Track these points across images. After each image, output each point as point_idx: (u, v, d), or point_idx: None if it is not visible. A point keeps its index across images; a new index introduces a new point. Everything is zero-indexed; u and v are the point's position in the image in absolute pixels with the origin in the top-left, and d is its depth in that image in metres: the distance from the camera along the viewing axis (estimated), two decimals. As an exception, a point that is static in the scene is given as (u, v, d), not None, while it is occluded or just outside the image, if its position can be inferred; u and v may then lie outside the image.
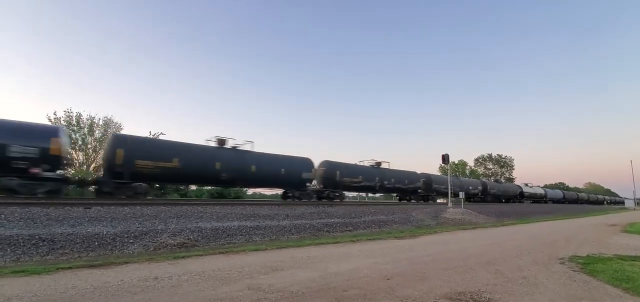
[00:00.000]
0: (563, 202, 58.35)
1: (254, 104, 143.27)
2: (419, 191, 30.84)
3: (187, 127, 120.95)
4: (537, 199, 51.13)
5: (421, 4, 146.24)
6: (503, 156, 75.39)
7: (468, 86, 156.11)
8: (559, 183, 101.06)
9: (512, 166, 75.44)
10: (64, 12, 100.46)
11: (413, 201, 30.06)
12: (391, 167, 29.20)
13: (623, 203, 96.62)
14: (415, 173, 31.06)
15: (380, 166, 28.20)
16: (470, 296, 4.40)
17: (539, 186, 57.44)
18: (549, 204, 49.80)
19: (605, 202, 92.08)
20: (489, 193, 39.73)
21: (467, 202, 32.51)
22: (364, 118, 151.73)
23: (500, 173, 73.05)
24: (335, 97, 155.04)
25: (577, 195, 72.07)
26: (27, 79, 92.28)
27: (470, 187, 37.63)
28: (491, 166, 74.89)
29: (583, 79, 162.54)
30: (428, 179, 31.75)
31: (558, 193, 61.09)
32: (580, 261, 7.24)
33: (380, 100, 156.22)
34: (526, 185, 51.29)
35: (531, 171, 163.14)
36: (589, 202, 74.41)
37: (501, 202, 41.04)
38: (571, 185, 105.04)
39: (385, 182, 27.46)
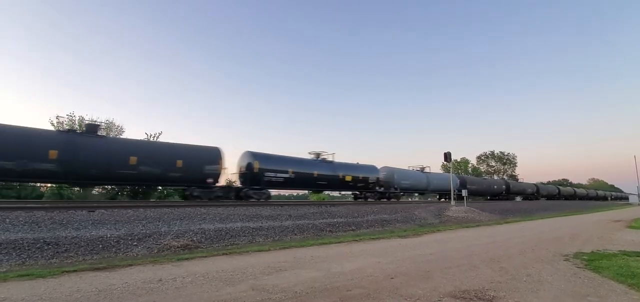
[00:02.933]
0: (558, 199, 56.98)
1: (262, 108, 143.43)
2: (377, 187, 26.36)
3: (188, 128, 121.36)
4: (527, 195, 48.54)
5: (421, 2, 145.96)
6: (506, 153, 75.16)
7: (470, 85, 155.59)
8: (563, 180, 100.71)
9: (515, 162, 75.18)
10: (63, 14, 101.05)
11: (370, 199, 25.94)
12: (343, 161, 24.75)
13: (627, 199, 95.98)
14: (373, 167, 26.93)
15: (320, 158, 23.56)
16: (475, 293, 4.38)
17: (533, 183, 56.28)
18: (542, 201, 48.29)
19: (609, 198, 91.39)
20: (467, 190, 36.11)
21: (445, 201, 30.47)
22: (361, 118, 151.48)
23: (503, 170, 72.72)
24: (336, 99, 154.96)
25: (575, 191, 70.78)
26: (30, 83, 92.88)
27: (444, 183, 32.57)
28: (494, 163, 74.54)
29: (587, 75, 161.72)
30: (389, 173, 27.82)
31: (551, 188, 59.86)
32: (585, 257, 7.21)
33: (380, 101, 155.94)
34: (515, 180, 49.45)
35: (535, 168, 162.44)
36: (588, 198, 73.49)
37: (487, 199, 38.28)
38: (575, 181, 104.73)
39: (331, 178, 22.97)
